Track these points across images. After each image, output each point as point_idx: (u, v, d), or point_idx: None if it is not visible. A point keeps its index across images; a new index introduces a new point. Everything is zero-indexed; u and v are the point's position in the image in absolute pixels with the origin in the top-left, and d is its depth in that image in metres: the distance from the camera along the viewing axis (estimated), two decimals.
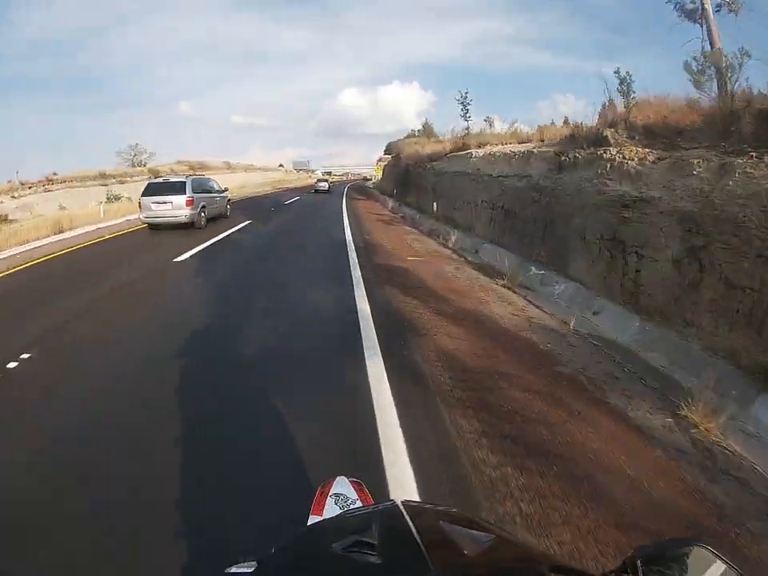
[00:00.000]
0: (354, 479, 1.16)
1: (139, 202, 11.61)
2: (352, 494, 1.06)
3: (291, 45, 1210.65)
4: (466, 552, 0.47)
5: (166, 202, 11.16)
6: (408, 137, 31.70)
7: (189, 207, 11.12)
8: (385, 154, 60.07)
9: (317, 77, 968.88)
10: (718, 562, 0.61)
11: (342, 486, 1.10)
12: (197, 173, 16.95)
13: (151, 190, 11.43)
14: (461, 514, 0.60)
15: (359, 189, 40.43)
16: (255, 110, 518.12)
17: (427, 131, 26.14)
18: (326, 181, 37.52)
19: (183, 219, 11.14)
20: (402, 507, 0.58)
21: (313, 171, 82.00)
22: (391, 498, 0.75)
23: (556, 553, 1.86)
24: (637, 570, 0.62)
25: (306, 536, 0.64)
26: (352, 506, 1.00)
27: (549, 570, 0.46)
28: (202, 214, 11.70)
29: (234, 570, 0.72)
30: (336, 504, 1.02)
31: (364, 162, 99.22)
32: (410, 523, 0.53)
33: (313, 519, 0.97)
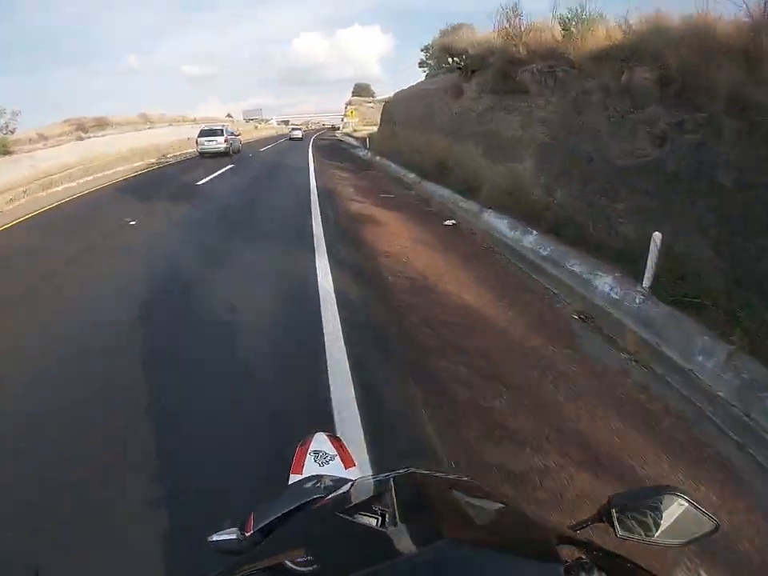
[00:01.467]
0: (332, 435, 1.20)
1: (196, 140, 19.30)
2: (331, 449, 1.09)
3: None
4: (477, 521, 0.48)
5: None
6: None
7: (226, 143, 18.92)
8: (354, 96, 58.21)
9: (271, 21, 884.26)
10: (692, 508, 0.63)
11: (321, 442, 1.12)
12: (88, 132, 16.06)
13: (203, 134, 19.22)
14: (473, 484, 0.61)
15: (331, 151, 23.02)
16: (208, 59, 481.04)
17: None
18: (300, 130, 43.07)
19: (222, 149, 18.76)
20: (415, 475, 0.59)
21: (266, 121, 73.52)
22: (404, 467, 0.72)
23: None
24: (611, 518, 0.64)
25: (319, 503, 0.66)
26: (331, 462, 1.03)
27: (557, 539, 0.46)
28: (230, 147, 19.32)
29: (215, 537, 0.74)
30: (315, 461, 1.04)
31: (326, 109, 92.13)
32: (423, 491, 0.55)
33: (293, 478, 1.00)
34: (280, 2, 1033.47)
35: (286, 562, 0.50)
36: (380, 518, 0.52)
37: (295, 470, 1.03)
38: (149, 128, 21.24)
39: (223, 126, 21.27)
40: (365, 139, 20.90)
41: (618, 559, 0.49)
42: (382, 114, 20.41)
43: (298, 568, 0.50)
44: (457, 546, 0.43)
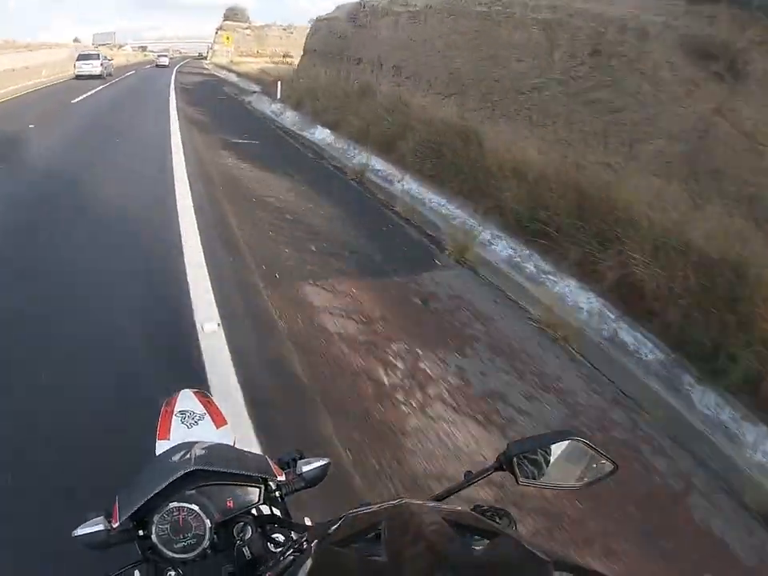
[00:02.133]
0: (199, 390, 1.10)
1: (74, 64, 21.37)
2: (198, 408, 1.01)
3: None
4: (472, 551, 0.47)
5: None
6: None
7: (101, 67, 21.43)
8: (227, 21, 51.84)
9: None
10: (592, 452, 0.66)
11: (186, 400, 1.03)
12: None
13: (81, 58, 21.65)
14: (466, 512, 0.59)
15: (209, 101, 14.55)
16: None
17: None
18: (167, 57, 41.63)
19: (97, 72, 20.94)
20: (407, 506, 0.57)
21: (120, 47, 65.41)
22: (398, 497, 0.76)
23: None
24: (512, 466, 0.65)
25: (309, 532, 0.62)
26: (200, 422, 0.97)
27: (554, 566, 0.45)
28: (104, 70, 21.66)
29: (80, 531, 0.66)
30: (183, 423, 0.96)
31: (189, 35, 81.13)
32: (417, 522, 0.53)
33: (161, 445, 0.89)
34: None
35: None
36: (374, 550, 0.49)
37: (162, 434, 0.93)
38: None
39: (98, 52, 24.32)
40: (261, 79, 15.20)
41: None
42: (306, 43, 14.56)
43: None
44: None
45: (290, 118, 10.08)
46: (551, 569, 0.44)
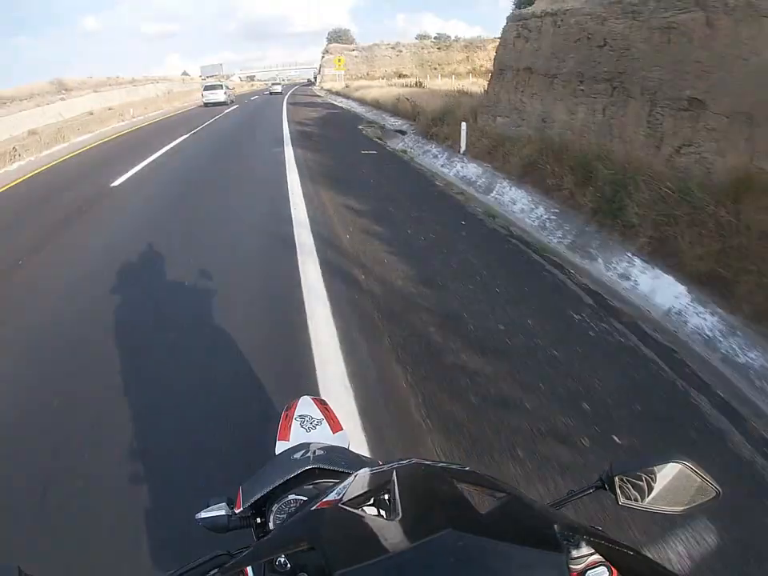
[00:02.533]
0: (318, 398, 1.17)
1: (202, 93, 26.16)
2: (317, 413, 1.07)
3: None
4: (481, 511, 0.49)
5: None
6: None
7: (225, 95, 25.59)
8: (331, 44, 48.04)
9: None
10: (695, 475, 0.63)
11: (306, 405, 1.10)
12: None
13: (206, 88, 26.24)
14: (476, 473, 0.62)
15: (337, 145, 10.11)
16: (167, 15, 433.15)
17: None
18: (280, 84, 43.91)
19: (222, 99, 25.17)
20: (418, 466, 0.60)
21: (228, 77, 65.85)
22: (408, 457, 0.72)
23: None
24: (613, 486, 0.64)
25: (318, 496, 0.65)
26: (318, 426, 1.02)
27: (562, 527, 0.47)
28: (228, 98, 26.07)
29: (204, 515, 0.72)
30: (302, 426, 1.02)
31: (294, 62, 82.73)
32: (426, 482, 0.56)
33: (280, 445, 0.97)
34: None
35: (289, 554, 0.55)
36: (383, 509, 0.54)
37: (282, 436, 1.02)
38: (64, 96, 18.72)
39: (221, 83, 28.79)
40: (399, 110, 11.56)
41: (623, 548, 0.48)
42: (498, 57, 7.95)
43: (301, 561, 0.54)
44: (460, 535, 0.44)
45: (514, 198, 5.09)
46: (556, 528, 0.46)
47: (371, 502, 0.54)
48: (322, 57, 53.89)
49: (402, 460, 0.62)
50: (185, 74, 60.69)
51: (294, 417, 1.05)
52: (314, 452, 0.77)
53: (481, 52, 37.26)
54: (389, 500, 0.51)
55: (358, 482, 0.57)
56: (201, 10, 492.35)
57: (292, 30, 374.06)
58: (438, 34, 53.83)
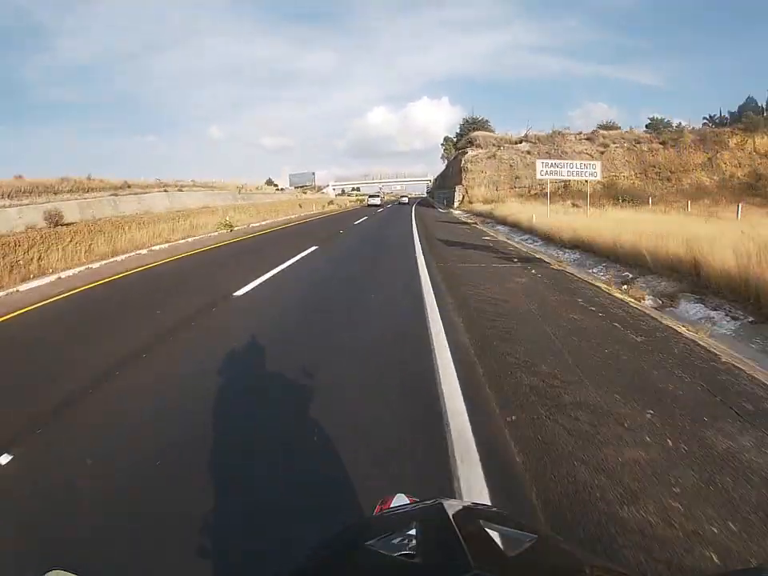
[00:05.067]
0: (412, 496, 1.09)
1: (366, 200, 47.96)
2: None
3: (316, 66, 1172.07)
4: (507, 553, 0.47)
5: (375, 198, 47.08)
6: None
7: (380, 200, 46.55)
8: (471, 133, 36.57)
9: (344, 97, 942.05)
10: None
11: (401, 502, 1.03)
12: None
13: (371, 197, 46.46)
14: (503, 514, 0.58)
15: None
16: (284, 131, 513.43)
17: None
18: (379, 197, 48.60)
19: (378, 203, 44.19)
20: (443, 506, 0.58)
21: (320, 189, 62.51)
22: (432, 498, 0.59)
23: None
24: None
25: (345, 533, 0.63)
26: None
27: (591, 572, 0.46)
28: (382, 202, 49.79)
29: None
30: None
31: (400, 172, 79.88)
32: (452, 522, 0.53)
33: None
34: (354, 81, 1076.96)
35: None
36: (408, 550, 0.51)
37: None
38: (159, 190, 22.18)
39: (379, 193, 49.88)
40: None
41: None
42: None
43: None
44: None
45: None
46: (587, 572, 0.46)
47: (396, 541, 0.51)
48: (450, 159, 49.05)
49: (428, 500, 0.61)
50: (275, 186, 53.93)
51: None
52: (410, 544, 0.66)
53: (721, 150, 26.01)
54: (414, 540, 0.49)
55: (383, 521, 0.58)
56: (313, 128, 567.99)
57: (396, 149, 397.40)
58: (652, 119, 36.38)
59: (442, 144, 58.75)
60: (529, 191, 25.49)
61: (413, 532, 0.51)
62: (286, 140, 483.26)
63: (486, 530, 0.50)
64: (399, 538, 0.51)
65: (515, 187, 27.29)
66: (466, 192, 30.75)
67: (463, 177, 32.04)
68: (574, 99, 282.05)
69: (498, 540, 0.49)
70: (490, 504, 0.78)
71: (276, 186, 54.95)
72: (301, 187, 56.89)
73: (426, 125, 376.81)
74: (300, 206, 32.92)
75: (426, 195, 75.28)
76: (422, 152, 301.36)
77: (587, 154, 27.42)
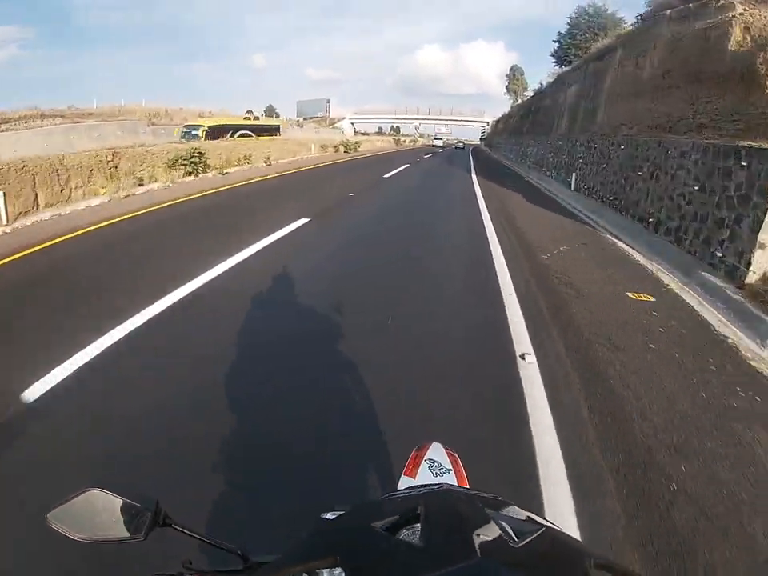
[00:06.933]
0: (450, 450, 1.17)
1: (432, 142, 60.42)
2: (446, 462, 1.10)
3: None
4: (512, 542, 0.47)
5: (438, 140, 60.35)
6: None
7: (442, 143, 58.92)
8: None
9: (397, 31, 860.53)
10: None
11: (437, 452, 1.13)
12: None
13: (435, 138, 62.02)
14: (507, 503, 0.59)
15: None
16: (331, 63, 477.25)
17: None
18: (441, 140, 58.42)
19: (441, 144, 56.20)
20: (450, 492, 0.59)
21: (333, 124, 48.38)
22: (438, 483, 0.72)
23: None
24: None
25: (352, 513, 0.62)
26: (446, 475, 1.05)
27: (594, 565, 0.46)
28: (444, 144, 58.92)
29: (329, 516, 0.74)
30: (430, 470, 1.06)
31: (446, 113, 70.92)
32: (457, 508, 0.53)
33: (404, 480, 1.03)
34: (408, 16, 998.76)
35: (316, 571, 0.59)
36: (412, 533, 0.52)
37: (408, 472, 1.06)
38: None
39: (441, 134, 65.34)
40: None
41: None
42: None
43: None
44: (488, 564, 0.43)
45: None
46: (592, 567, 0.46)
47: (401, 525, 0.52)
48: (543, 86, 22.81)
49: (433, 485, 0.62)
50: (270, 109, 44.83)
51: (424, 459, 1.09)
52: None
53: None
54: (418, 524, 0.50)
55: (388, 504, 0.57)
56: (363, 63, 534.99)
57: (445, 91, 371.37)
58: None
59: (509, 72, 49.06)
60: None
61: (419, 517, 0.51)
62: (331, 72, 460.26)
63: (492, 518, 0.50)
64: (405, 522, 0.52)
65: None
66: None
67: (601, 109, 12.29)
68: None
69: (503, 529, 0.49)
70: (496, 493, 0.67)
71: (276, 115, 43.94)
72: (311, 119, 43.56)
73: (477, 69, 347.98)
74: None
75: (479, 143, 65.89)
76: (471, 97, 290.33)
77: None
